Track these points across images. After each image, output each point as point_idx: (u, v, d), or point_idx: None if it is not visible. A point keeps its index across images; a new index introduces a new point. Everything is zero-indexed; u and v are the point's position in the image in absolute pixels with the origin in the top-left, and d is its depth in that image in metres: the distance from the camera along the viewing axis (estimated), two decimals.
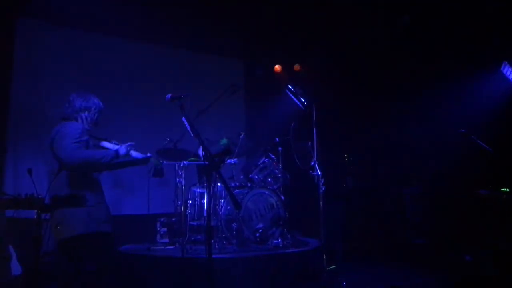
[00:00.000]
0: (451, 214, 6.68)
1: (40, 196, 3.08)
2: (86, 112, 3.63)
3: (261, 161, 5.97)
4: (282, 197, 5.70)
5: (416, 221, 7.34)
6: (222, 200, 5.52)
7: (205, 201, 5.56)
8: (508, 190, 4.62)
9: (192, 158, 5.55)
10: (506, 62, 6.18)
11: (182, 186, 5.23)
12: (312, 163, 5.41)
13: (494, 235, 5.49)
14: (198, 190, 5.79)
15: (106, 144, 3.71)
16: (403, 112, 7.47)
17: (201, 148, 5.19)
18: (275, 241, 5.35)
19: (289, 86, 5.81)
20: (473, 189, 5.07)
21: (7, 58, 5.98)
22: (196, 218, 5.68)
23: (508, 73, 6.23)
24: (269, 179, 5.91)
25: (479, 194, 4.83)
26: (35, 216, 2.98)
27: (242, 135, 5.96)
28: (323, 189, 5.31)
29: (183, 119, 3.60)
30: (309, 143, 5.51)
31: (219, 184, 5.44)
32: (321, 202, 5.27)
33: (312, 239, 5.88)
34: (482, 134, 4.92)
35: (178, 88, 6.97)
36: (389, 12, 6.92)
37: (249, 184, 5.82)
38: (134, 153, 3.71)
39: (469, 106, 6.51)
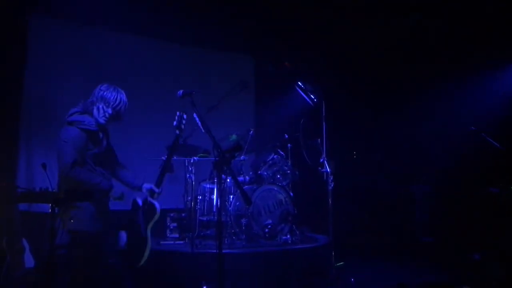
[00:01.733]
0: (460, 212, 6.65)
1: (54, 190, 3.14)
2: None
3: (270, 158, 5.98)
4: (291, 194, 5.72)
5: (425, 219, 7.32)
6: (231, 196, 5.56)
7: (215, 196, 5.61)
8: None
9: (202, 154, 5.59)
10: None
11: (192, 182, 5.27)
12: (321, 160, 5.43)
13: (504, 234, 5.47)
14: (208, 185, 5.83)
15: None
16: (413, 109, 7.44)
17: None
18: (284, 237, 5.37)
19: (299, 82, 5.81)
20: (483, 187, 5.06)
21: (19, 55, 6.05)
22: (205, 213, 5.73)
23: None
24: (278, 176, 5.93)
25: (489, 192, 4.82)
26: (49, 210, 3.02)
27: (251, 132, 5.99)
28: (332, 185, 5.34)
29: (194, 115, 3.65)
30: (319, 140, 5.52)
31: (228, 180, 5.48)
32: (330, 199, 5.30)
33: (320, 235, 5.90)
34: (492, 132, 4.91)
35: (188, 84, 7.04)
36: (399, 10, 6.90)
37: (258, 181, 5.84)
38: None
39: (479, 104, 6.48)
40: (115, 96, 3.56)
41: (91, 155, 3.46)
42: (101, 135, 3.60)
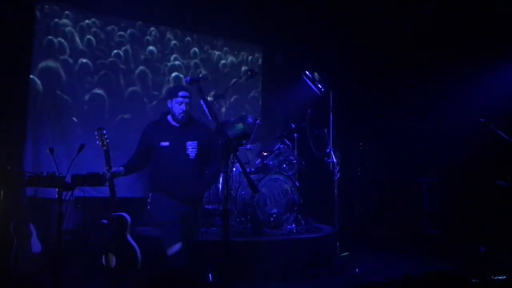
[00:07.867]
0: (467, 204, 6.62)
1: (61, 175, 3.15)
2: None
3: (276, 147, 5.97)
4: (297, 183, 5.71)
5: (432, 211, 7.30)
6: (237, 185, 5.55)
7: (220, 185, 5.60)
8: None
9: None
10: None
11: None
12: (328, 150, 5.40)
13: (511, 227, 5.44)
14: None
15: None
16: (421, 100, 7.38)
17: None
18: (289, 227, 5.37)
19: (307, 72, 5.77)
20: (491, 180, 5.01)
21: (27, 41, 6.04)
22: (211, 202, 5.72)
23: None
24: (284, 165, 5.91)
25: (497, 185, 4.78)
26: (57, 195, 3.04)
27: (258, 121, 5.96)
28: (338, 176, 5.32)
29: (201, 102, 3.61)
30: (325, 130, 5.49)
31: (234, 169, 5.47)
32: (335, 189, 5.28)
33: (326, 225, 5.90)
34: (501, 124, 4.85)
35: (196, 72, 7.03)
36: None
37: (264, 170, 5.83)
38: None
39: (488, 95, 6.41)
40: None
41: None
42: None
